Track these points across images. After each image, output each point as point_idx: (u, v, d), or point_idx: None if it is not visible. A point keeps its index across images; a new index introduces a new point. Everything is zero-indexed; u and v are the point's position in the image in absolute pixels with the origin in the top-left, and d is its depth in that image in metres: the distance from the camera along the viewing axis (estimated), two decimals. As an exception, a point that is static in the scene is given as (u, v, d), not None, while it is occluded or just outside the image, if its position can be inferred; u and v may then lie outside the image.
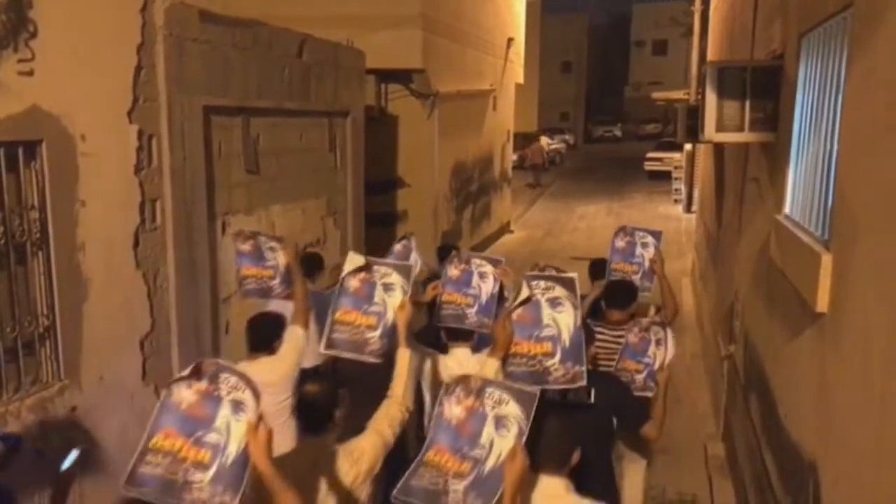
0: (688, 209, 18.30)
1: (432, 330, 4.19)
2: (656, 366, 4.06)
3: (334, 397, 2.98)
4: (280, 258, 4.39)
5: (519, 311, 3.25)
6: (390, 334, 3.33)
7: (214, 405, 2.43)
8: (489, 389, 2.61)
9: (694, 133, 7.04)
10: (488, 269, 3.97)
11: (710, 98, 4.65)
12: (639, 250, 5.13)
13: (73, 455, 3.10)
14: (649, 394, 4.05)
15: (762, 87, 4.56)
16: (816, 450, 3.15)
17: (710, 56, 10.77)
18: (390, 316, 3.37)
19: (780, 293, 4.09)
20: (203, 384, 2.47)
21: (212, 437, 2.39)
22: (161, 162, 5.04)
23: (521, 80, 18.95)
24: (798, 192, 3.97)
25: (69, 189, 4.32)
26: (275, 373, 3.82)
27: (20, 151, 4.05)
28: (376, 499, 3.03)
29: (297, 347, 3.94)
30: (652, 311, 5.10)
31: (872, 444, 2.43)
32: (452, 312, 3.88)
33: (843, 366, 2.84)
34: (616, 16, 57.00)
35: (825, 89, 3.45)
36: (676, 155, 22.18)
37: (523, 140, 27.27)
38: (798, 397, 3.60)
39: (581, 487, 2.65)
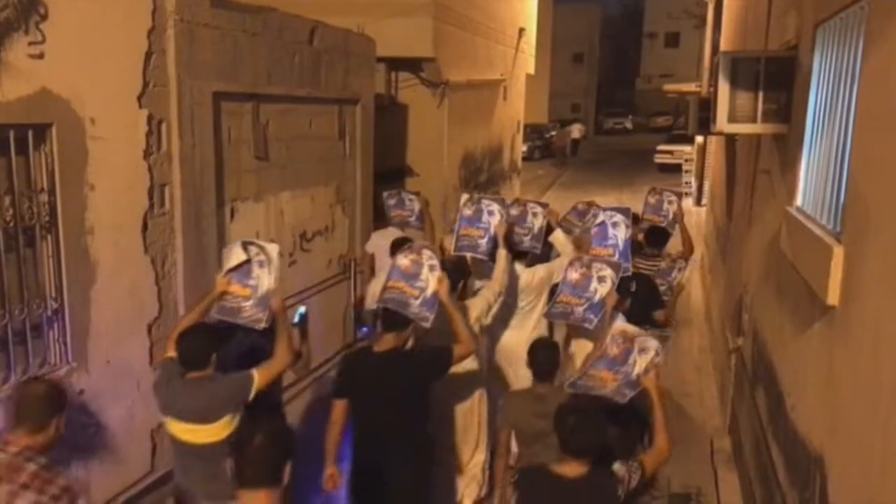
0: (698, 202, 18.20)
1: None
2: (634, 374, 3.70)
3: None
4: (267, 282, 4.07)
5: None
6: (432, 303, 4.17)
7: (419, 266, 4.24)
8: (595, 263, 4.69)
9: (706, 125, 7.02)
10: (495, 206, 5.30)
11: (723, 88, 4.61)
12: (665, 206, 6.83)
13: (302, 311, 4.40)
14: (621, 400, 3.71)
15: (776, 78, 4.51)
16: (824, 443, 3.14)
17: (723, 48, 10.69)
18: (431, 290, 4.19)
19: (789, 286, 4.06)
20: (413, 255, 4.28)
21: (420, 283, 4.19)
22: (170, 147, 5.04)
23: (532, 70, 18.88)
24: (810, 184, 3.94)
25: (78, 173, 4.32)
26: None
27: (30, 134, 4.05)
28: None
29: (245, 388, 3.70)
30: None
31: (880, 437, 2.42)
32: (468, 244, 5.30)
33: (853, 359, 2.82)
34: (629, 7, 56.74)
35: (840, 80, 3.41)
36: (687, 148, 22.06)
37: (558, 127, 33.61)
38: (806, 390, 3.58)
39: None
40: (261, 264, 4.05)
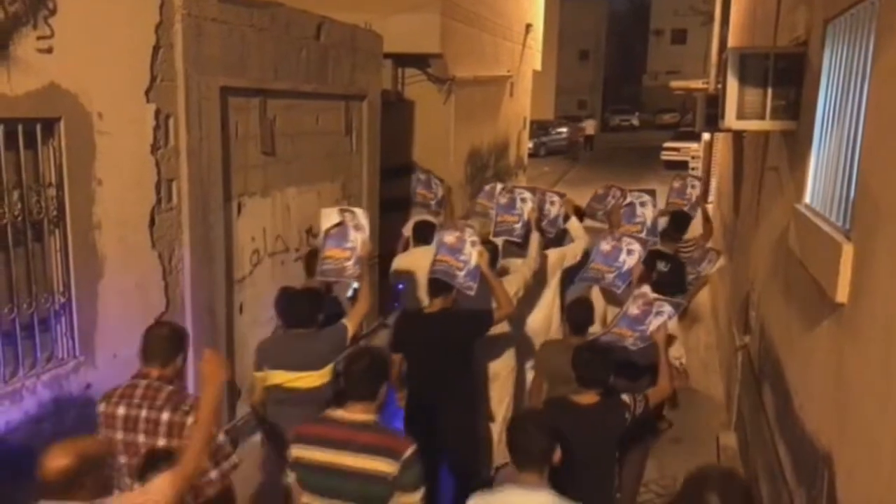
0: (704, 199, 18.14)
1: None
2: (649, 331, 4.41)
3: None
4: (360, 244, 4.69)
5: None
6: (474, 274, 4.70)
7: (463, 243, 4.77)
8: (625, 237, 5.36)
9: (713, 121, 7.00)
10: (527, 195, 5.84)
11: (732, 85, 4.59)
12: (689, 190, 7.27)
13: (355, 286, 4.96)
14: (633, 348, 4.44)
15: (785, 75, 4.48)
16: (832, 441, 3.12)
17: (731, 44, 10.64)
18: (473, 262, 4.72)
19: (797, 283, 4.04)
20: (457, 233, 4.84)
21: (463, 257, 4.73)
22: (178, 142, 5.04)
23: (538, 66, 18.83)
24: (819, 181, 3.92)
25: (86, 167, 4.33)
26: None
27: (38, 129, 4.06)
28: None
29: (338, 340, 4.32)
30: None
31: (890, 436, 2.41)
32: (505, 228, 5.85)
33: (862, 357, 2.81)
34: (635, 3, 56.56)
35: (850, 77, 3.39)
36: (694, 145, 22.00)
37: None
38: (814, 388, 3.56)
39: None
40: (356, 227, 4.67)
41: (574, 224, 6.20)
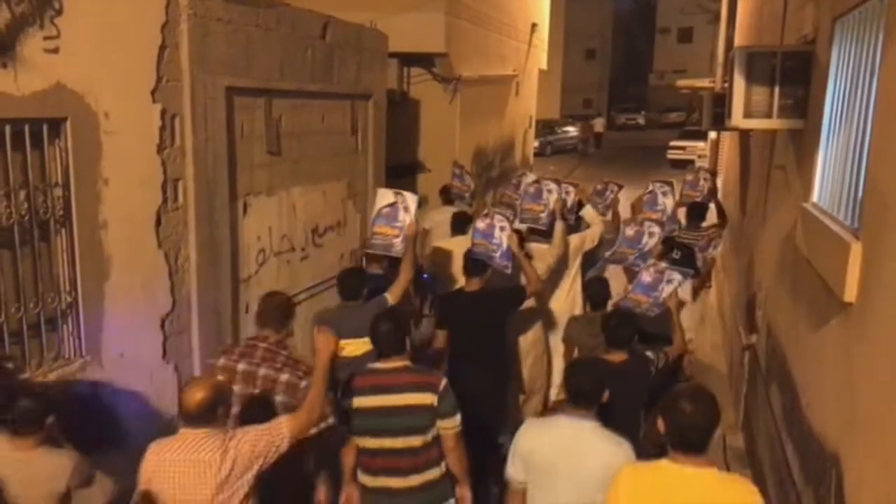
0: (715, 193, 18.08)
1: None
2: (661, 298, 5.11)
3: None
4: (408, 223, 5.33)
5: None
6: (507, 255, 5.39)
7: (493, 228, 5.43)
8: (646, 222, 6.12)
9: (720, 120, 7.00)
10: (552, 186, 6.37)
11: (739, 83, 4.57)
12: (701, 182, 8.05)
13: (427, 277, 6.25)
14: (651, 314, 5.10)
15: (792, 73, 4.47)
16: (840, 440, 3.11)
17: (737, 42, 10.60)
18: (505, 245, 5.40)
19: (805, 283, 4.02)
20: (488, 220, 5.49)
21: (496, 241, 5.39)
22: (183, 142, 5.04)
23: (544, 65, 18.80)
24: (827, 180, 3.90)
25: (92, 167, 4.34)
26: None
27: (45, 128, 4.07)
28: None
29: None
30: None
31: (900, 435, 2.39)
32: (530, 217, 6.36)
33: (871, 356, 2.79)
34: (641, 2, 56.37)
35: (858, 75, 3.37)
36: (700, 144, 21.94)
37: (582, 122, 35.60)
38: (822, 388, 3.55)
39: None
40: (405, 210, 5.26)
41: (589, 211, 6.96)
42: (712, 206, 8.00)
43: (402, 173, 10.00)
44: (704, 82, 16.54)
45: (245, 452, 3.03)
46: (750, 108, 4.61)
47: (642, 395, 4.26)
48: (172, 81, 4.89)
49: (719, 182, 15.88)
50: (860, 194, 3.15)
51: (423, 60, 10.96)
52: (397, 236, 5.24)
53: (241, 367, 3.83)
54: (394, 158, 9.05)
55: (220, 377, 3.66)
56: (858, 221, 3.12)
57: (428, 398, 3.51)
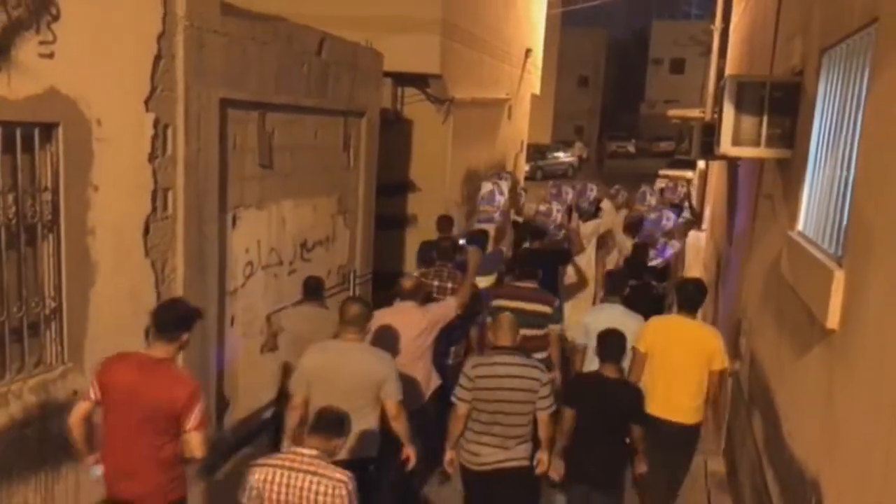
0: (698, 227, 18.22)
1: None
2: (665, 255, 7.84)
3: None
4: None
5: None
6: (503, 213, 7.95)
7: (494, 194, 8.63)
8: (665, 210, 8.85)
9: (709, 149, 7.10)
10: (567, 187, 9.65)
11: (728, 112, 4.63)
12: (679, 189, 11.42)
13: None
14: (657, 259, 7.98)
15: (781, 103, 4.54)
16: (821, 466, 3.12)
17: (728, 72, 10.74)
18: (502, 206, 7.88)
19: (789, 310, 4.05)
20: (495, 180, 8.93)
21: (496, 203, 8.62)
22: (175, 152, 5.05)
23: (537, 90, 18.94)
24: (812, 209, 3.94)
25: (83, 173, 4.33)
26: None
27: (36, 133, 4.06)
28: None
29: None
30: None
31: (880, 462, 2.40)
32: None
33: (853, 383, 2.81)
34: (636, 32, 57.01)
35: (845, 105, 3.43)
36: (689, 173, 22.12)
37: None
38: (804, 414, 3.56)
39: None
40: (500, 193, 8.46)
41: (606, 204, 9.62)
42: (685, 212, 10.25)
43: (392, 192, 10.02)
44: (695, 112, 16.75)
45: (433, 315, 5.44)
46: (739, 137, 4.67)
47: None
48: (166, 91, 4.90)
49: (707, 211, 16.08)
50: (844, 223, 3.19)
51: (418, 81, 11.01)
52: (496, 212, 8.42)
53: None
54: (385, 176, 9.07)
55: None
56: (842, 250, 3.16)
57: (546, 308, 6.01)
